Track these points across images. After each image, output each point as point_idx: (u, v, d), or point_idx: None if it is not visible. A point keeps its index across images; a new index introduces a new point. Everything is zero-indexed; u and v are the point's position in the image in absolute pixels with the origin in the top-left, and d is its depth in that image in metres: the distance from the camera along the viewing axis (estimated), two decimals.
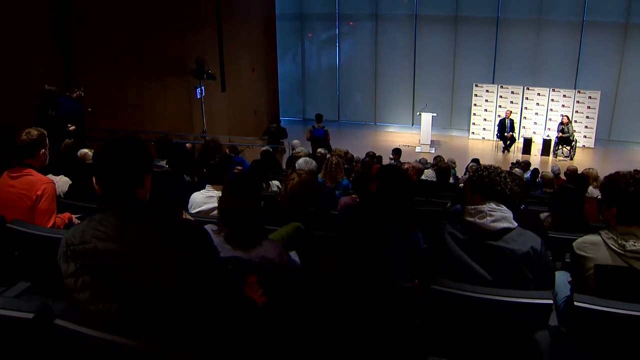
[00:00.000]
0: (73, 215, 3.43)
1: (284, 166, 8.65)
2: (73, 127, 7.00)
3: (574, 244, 2.42)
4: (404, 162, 9.42)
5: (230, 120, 13.90)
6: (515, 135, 14.22)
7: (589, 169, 6.91)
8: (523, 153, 13.91)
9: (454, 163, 10.05)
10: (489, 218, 2.31)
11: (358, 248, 2.57)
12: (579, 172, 7.45)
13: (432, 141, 14.61)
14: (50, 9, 7.75)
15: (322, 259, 2.58)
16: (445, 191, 6.47)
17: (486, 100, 14.93)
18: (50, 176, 4.02)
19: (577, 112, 14.09)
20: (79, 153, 5.28)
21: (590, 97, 13.94)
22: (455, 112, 15.94)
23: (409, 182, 2.81)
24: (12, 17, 7.01)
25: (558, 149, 13.67)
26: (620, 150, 14.07)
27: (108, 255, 1.58)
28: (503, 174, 2.45)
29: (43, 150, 3.26)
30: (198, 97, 12.02)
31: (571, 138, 13.53)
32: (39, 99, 6.82)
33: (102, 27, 8.66)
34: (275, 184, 5.84)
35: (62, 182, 4.08)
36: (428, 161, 10.47)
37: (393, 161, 10.44)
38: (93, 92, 8.21)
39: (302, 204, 3.42)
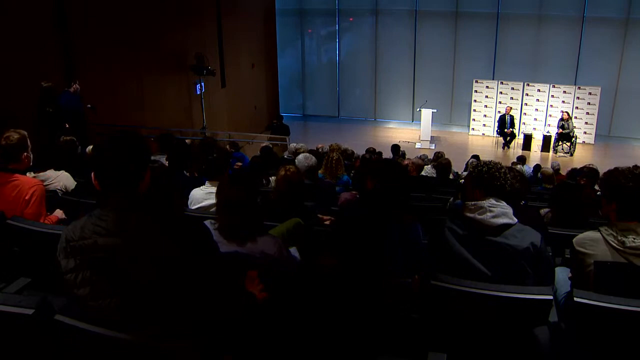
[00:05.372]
0: (62, 214, 3.39)
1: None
2: (68, 125, 7.00)
3: (573, 240, 2.43)
4: (405, 159, 9.44)
5: (230, 115, 13.89)
6: (515, 131, 14.21)
7: (589, 165, 6.91)
8: (523, 149, 13.90)
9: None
10: (488, 214, 2.31)
11: (358, 243, 2.57)
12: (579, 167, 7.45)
13: (432, 137, 14.59)
14: (50, 4, 7.73)
15: (321, 255, 2.58)
16: (445, 187, 6.47)
17: (486, 96, 14.91)
18: (51, 172, 4.02)
19: (577, 108, 14.07)
20: (87, 150, 5.29)
21: (590, 93, 13.91)
22: (455, 108, 15.92)
23: (403, 176, 2.80)
24: (12, 13, 7.00)
25: (558, 145, 13.66)
26: (620, 146, 14.06)
27: (108, 250, 1.58)
28: (503, 170, 2.45)
29: (25, 153, 3.16)
30: (198, 92, 12.01)
31: (571, 134, 13.51)
32: (37, 96, 6.82)
33: (102, 22, 8.65)
34: (274, 179, 5.84)
35: (63, 177, 4.07)
36: (428, 157, 10.47)
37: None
38: (93, 87, 8.21)
39: (289, 198, 3.43)
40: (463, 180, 6.46)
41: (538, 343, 2.11)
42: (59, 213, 3.38)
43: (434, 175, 7.48)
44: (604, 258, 2.27)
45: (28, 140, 3.21)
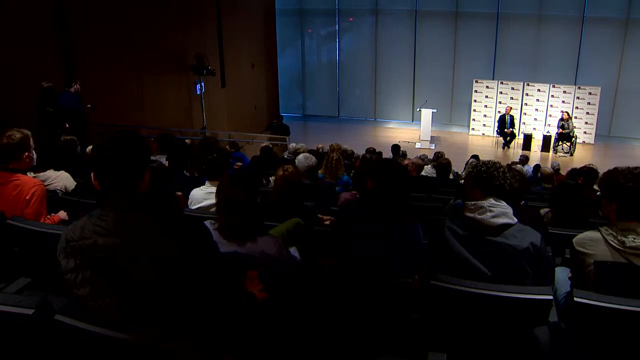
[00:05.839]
0: (66, 215, 3.38)
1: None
2: (68, 125, 7.00)
3: (573, 240, 2.42)
4: (405, 158, 9.44)
5: (230, 115, 13.89)
6: (515, 131, 14.21)
7: (589, 164, 6.90)
8: (523, 149, 13.89)
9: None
10: (488, 214, 2.31)
11: (358, 243, 2.57)
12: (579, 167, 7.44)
13: (432, 137, 14.60)
14: (50, 4, 7.73)
15: (322, 255, 2.58)
16: (445, 187, 6.47)
17: (486, 96, 14.91)
18: (51, 172, 4.02)
19: (577, 108, 14.07)
20: (87, 150, 5.28)
21: (590, 93, 13.92)
22: (455, 108, 15.92)
23: (403, 176, 2.80)
24: (12, 13, 7.00)
25: (558, 145, 13.66)
26: (620, 146, 14.06)
27: (108, 250, 1.58)
28: (502, 169, 2.45)
29: (27, 153, 3.12)
30: (198, 92, 12.01)
31: (571, 134, 13.51)
32: (37, 96, 6.82)
33: (102, 22, 8.65)
34: (274, 179, 5.84)
35: (63, 177, 4.07)
36: (428, 157, 10.47)
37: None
38: (93, 87, 8.21)
39: (288, 198, 3.43)
40: (463, 181, 6.45)
41: (538, 343, 2.11)
42: (62, 214, 3.35)
43: (434, 175, 7.48)
44: (604, 258, 2.27)
45: (31, 140, 3.18)
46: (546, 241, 2.43)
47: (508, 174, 2.49)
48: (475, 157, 10.34)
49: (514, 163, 10.96)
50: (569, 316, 2.44)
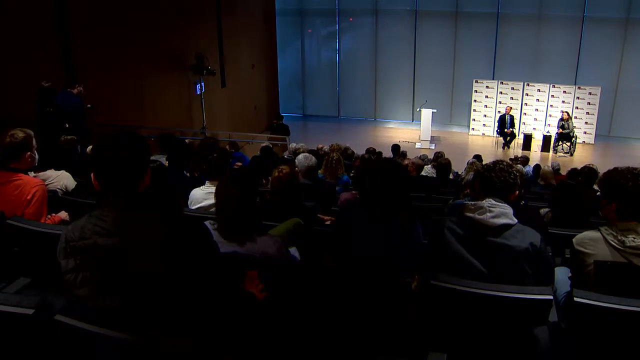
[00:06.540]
0: (67, 216, 3.37)
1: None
2: (67, 125, 7.00)
3: (573, 239, 2.42)
4: (405, 158, 9.44)
5: (230, 115, 13.90)
6: (515, 131, 14.22)
7: (589, 164, 6.89)
8: (523, 149, 13.90)
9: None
10: (488, 214, 2.30)
11: (358, 244, 2.57)
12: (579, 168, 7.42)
13: (432, 137, 14.60)
14: (50, 4, 7.73)
15: (325, 253, 2.58)
16: (445, 187, 6.47)
17: (486, 96, 14.91)
18: (51, 172, 4.02)
19: (577, 108, 14.07)
20: (87, 149, 5.28)
21: (590, 93, 13.92)
22: (455, 108, 15.93)
23: (403, 176, 2.79)
24: (12, 13, 7.00)
25: (558, 145, 13.66)
26: (620, 146, 14.06)
27: (108, 250, 1.58)
28: (505, 170, 2.44)
29: (29, 152, 3.12)
30: (198, 92, 12.01)
31: (571, 134, 13.51)
32: (36, 96, 6.83)
33: (102, 22, 8.65)
34: None
35: (63, 177, 4.07)
36: (428, 157, 10.46)
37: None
38: (93, 87, 8.21)
39: (284, 199, 3.43)
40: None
41: (538, 343, 2.11)
42: (63, 214, 3.34)
43: (434, 175, 7.48)
44: (604, 258, 2.27)
45: (34, 141, 3.18)
46: (546, 241, 2.43)
47: (511, 175, 2.48)
48: (477, 157, 10.33)
49: (516, 158, 10.96)
50: (569, 316, 2.44)
